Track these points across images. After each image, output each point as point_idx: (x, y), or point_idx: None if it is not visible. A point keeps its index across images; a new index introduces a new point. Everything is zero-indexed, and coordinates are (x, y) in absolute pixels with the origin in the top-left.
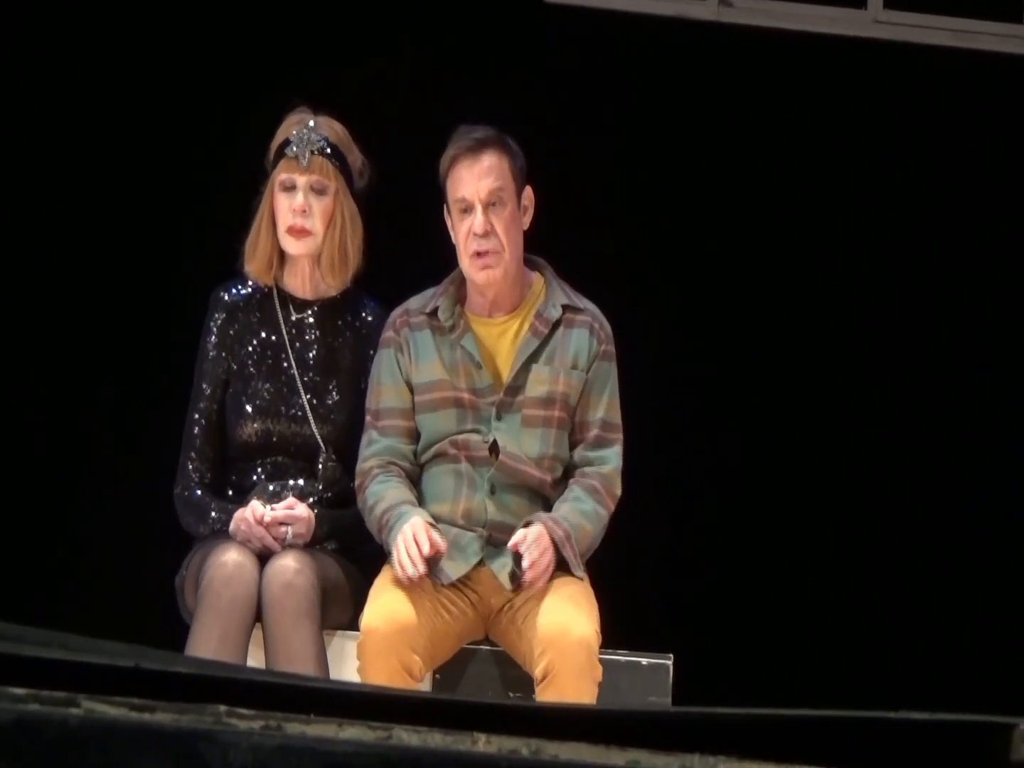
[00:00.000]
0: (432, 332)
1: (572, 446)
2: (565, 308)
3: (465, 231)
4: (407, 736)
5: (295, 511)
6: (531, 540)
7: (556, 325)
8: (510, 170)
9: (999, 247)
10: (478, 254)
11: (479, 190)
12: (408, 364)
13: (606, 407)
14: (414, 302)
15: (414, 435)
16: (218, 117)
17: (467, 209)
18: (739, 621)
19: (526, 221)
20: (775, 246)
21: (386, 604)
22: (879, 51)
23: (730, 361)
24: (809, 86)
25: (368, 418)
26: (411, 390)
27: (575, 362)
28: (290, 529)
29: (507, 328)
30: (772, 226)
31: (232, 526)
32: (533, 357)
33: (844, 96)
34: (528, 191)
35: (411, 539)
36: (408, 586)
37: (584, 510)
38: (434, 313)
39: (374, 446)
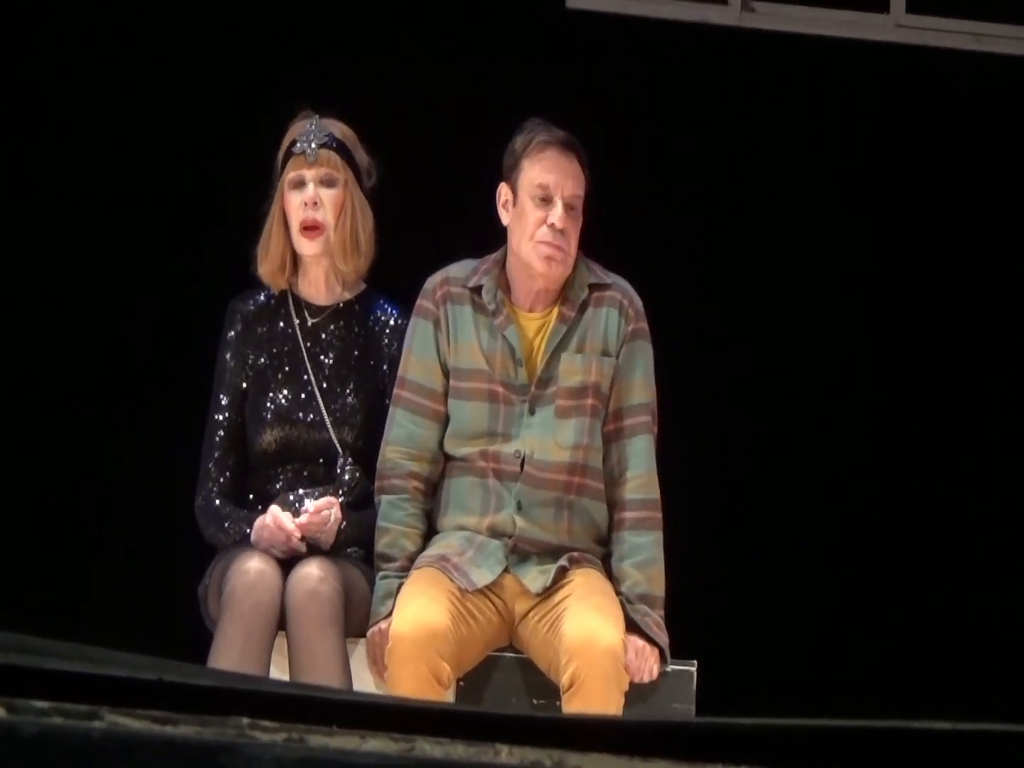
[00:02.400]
0: (473, 309)
1: (604, 438)
2: (592, 287)
3: (539, 219)
4: (430, 748)
5: (319, 502)
6: (638, 667)
7: (584, 306)
8: (586, 183)
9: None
10: (547, 244)
11: (565, 187)
12: (446, 344)
13: (639, 390)
14: (455, 270)
15: (440, 418)
16: (230, 121)
17: (547, 198)
18: (763, 627)
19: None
20: (797, 249)
21: (415, 610)
22: (901, 55)
23: (759, 365)
24: (831, 90)
25: (395, 387)
26: (445, 371)
27: (605, 347)
28: (332, 512)
29: (544, 322)
30: (794, 230)
31: (254, 535)
32: (563, 345)
33: (866, 100)
34: (584, 205)
35: (376, 641)
36: (436, 592)
37: (646, 560)
38: (476, 289)
39: (397, 430)
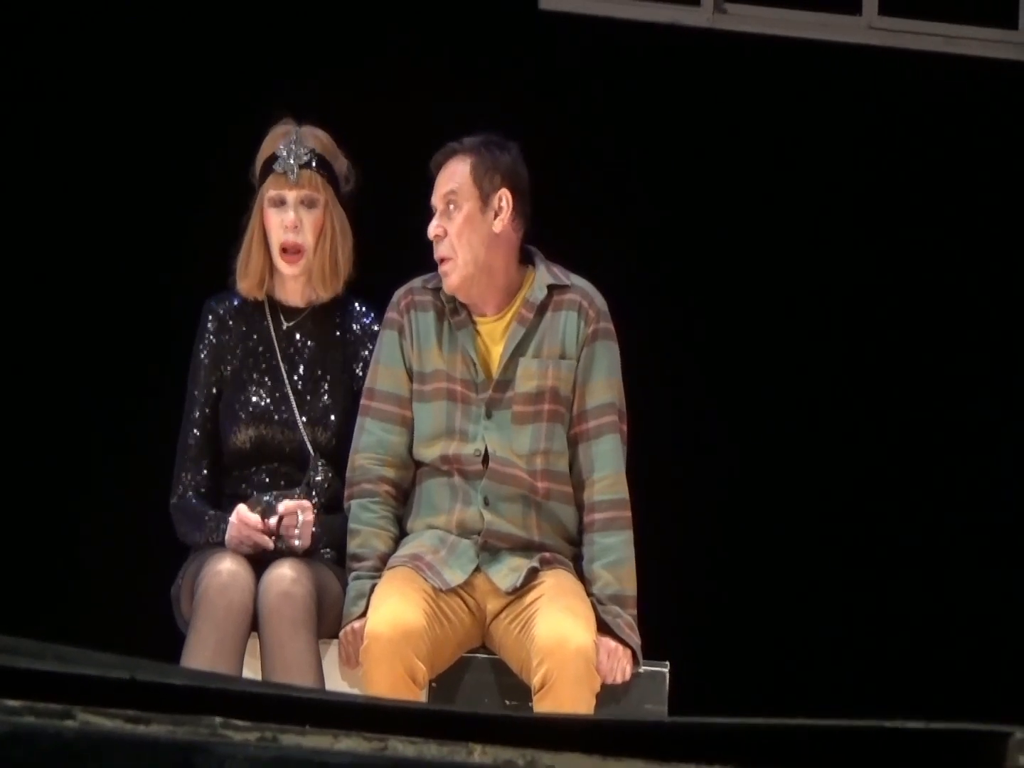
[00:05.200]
0: (435, 313)
1: (570, 441)
2: (551, 288)
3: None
4: (402, 747)
5: (290, 504)
6: (611, 669)
7: (543, 309)
8: (471, 172)
9: (994, 250)
10: (437, 259)
11: (438, 194)
12: (411, 350)
13: (602, 390)
14: (419, 280)
15: (409, 424)
16: (210, 125)
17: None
18: (736, 628)
19: (498, 224)
20: (770, 251)
21: (391, 610)
22: (873, 57)
23: (732, 362)
24: (804, 92)
25: (363, 399)
26: (411, 377)
27: (564, 350)
28: (303, 515)
29: (498, 326)
30: (767, 231)
31: (227, 536)
32: (521, 348)
33: (839, 102)
34: (503, 193)
35: (349, 640)
36: (411, 592)
37: (616, 560)
38: (438, 291)
39: (366, 437)
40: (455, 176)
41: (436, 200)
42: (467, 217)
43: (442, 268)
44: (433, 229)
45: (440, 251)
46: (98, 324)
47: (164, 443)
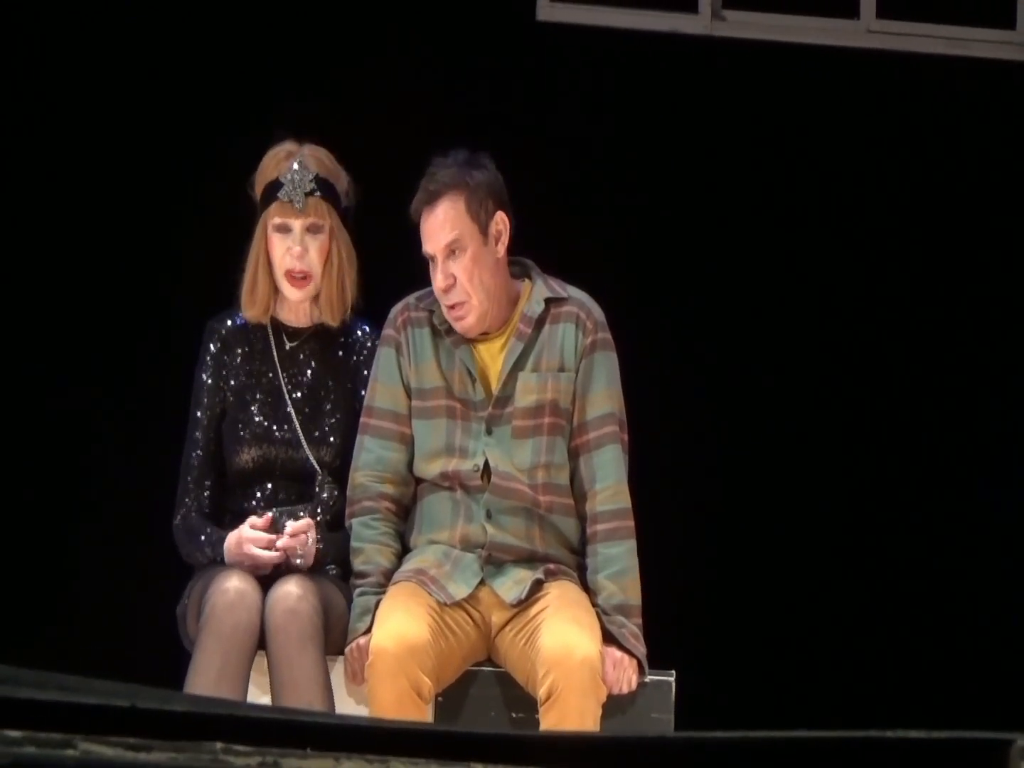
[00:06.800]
0: (432, 331)
1: (571, 452)
2: (548, 302)
3: (434, 286)
4: None
5: (297, 524)
6: (617, 679)
7: (541, 322)
8: (467, 211)
9: (996, 252)
10: (447, 307)
11: (437, 244)
12: (408, 367)
13: (602, 401)
14: (413, 298)
15: (408, 440)
16: (208, 139)
17: (432, 262)
18: (742, 636)
19: (500, 248)
20: (771, 257)
21: (396, 625)
22: (872, 61)
23: (734, 370)
24: (804, 97)
25: (362, 417)
26: (409, 394)
27: (562, 363)
28: (309, 534)
29: (496, 342)
30: (768, 237)
31: (228, 557)
32: (520, 363)
33: (839, 106)
34: (499, 217)
35: (355, 656)
36: (415, 607)
37: (620, 570)
38: (432, 311)
39: (365, 455)
40: (452, 223)
41: (434, 250)
42: (473, 257)
43: (456, 313)
44: (443, 281)
45: (452, 298)
46: (100, 342)
47: (171, 460)
